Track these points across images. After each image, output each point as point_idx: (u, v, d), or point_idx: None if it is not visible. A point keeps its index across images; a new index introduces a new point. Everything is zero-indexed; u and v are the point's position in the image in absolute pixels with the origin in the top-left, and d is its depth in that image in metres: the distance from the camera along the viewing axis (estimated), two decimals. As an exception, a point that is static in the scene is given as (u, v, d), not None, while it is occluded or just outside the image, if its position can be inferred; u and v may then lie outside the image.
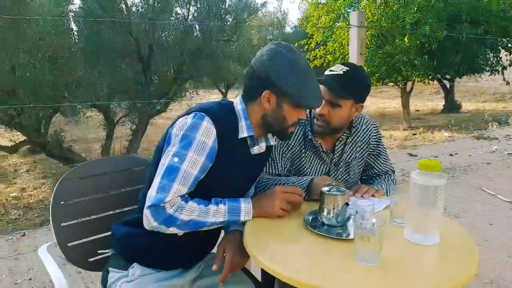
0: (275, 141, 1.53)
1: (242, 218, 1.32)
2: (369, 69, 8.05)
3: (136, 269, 1.39)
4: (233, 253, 1.29)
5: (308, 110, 1.64)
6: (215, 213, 1.28)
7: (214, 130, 1.26)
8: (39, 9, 4.61)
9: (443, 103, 11.84)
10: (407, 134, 8.35)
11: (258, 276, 1.53)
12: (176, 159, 1.23)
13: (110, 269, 1.42)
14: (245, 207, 1.33)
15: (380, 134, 1.83)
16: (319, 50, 9.17)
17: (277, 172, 1.71)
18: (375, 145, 1.80)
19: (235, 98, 1.42)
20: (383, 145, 1.84)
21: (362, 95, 1.60)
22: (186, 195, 1.27)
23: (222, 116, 1.31)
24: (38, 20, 4.49)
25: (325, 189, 1.30)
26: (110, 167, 1.65)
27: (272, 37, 12.49)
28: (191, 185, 1.25)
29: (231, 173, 1.35)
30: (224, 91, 14.67)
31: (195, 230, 1.27)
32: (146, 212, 1.21)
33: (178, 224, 1.23)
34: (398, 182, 1.99)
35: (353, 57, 3.30)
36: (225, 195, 1.34)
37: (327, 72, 1.60)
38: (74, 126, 7.89)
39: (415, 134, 8.30)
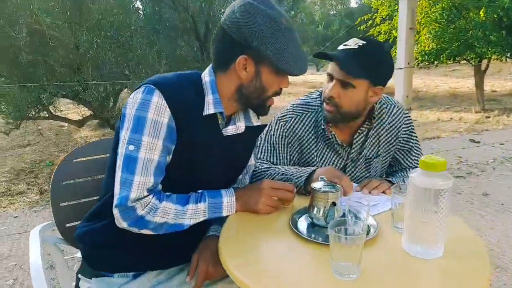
0: (259, 120, 1.30)
1: (225, 213, 1.17)
2: (438, 46, 7.47)
3: (101, 285, 1.20)
4: (206, 263, 1.10)
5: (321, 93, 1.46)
6: (194, 212, 1.13)
7: (167, 105, 1.06)
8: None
9: (525, 83, 10.75)
10: (480, 117, 7.68)
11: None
12: (131, 147, 1.05)
13: (79, 275, 1.26)
14: (228, 201, 1.17)
15: (412, 124, 1.56)
16: (384, 25, 8.66)
17: (279, 163, 1.52)
18: (406, 139, 1.53)
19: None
20: (416, 137, 1.57)
21: (381, 76, 1.35)
22: (160, 191, 1.11)
23: (179, 89, 1.10)
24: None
25: (316, 185, 1.14)
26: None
27: (335, 12, 11.98)
28: (157, 172, 1.08)
29: (198, 159, 1.15)
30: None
31: (172, 232, 1.12)
32: (115, 212, 1.06)
33: (151, 227, 1.09)
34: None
35: (402, 33, 2.94)
36: (198, 186, 1.17)
37: (340, 47, 1.38)
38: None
39: (489, 117, 7.63)
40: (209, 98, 1.13)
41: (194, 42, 5.76)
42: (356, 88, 1.33)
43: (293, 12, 5.82)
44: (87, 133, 8.11)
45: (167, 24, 5.55)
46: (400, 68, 3.49)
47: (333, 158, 1.52)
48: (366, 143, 1.50)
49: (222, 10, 5.80)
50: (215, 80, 1.14)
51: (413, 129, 1.55)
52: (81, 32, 4.58)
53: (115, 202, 1.05)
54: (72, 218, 1.41)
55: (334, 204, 1.10)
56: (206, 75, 1.14)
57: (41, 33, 4.30)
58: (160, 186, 1.12)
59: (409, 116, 1.55)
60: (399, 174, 1.57)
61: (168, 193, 1.13)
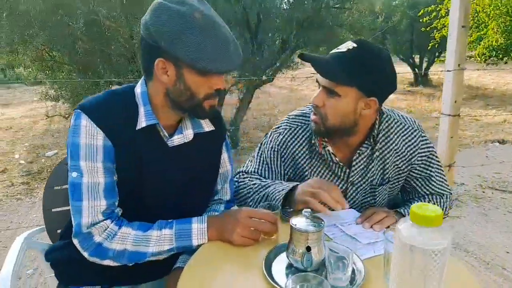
0: (211, 125, 1.20)
1: (195, 242, 1.07)
2: (509, 41, 6.87)
3: None
4: None
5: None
6: (159, 240, 1.05)
7: (97, 127, 1.02)
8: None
9: None
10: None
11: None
12: (74, 174, 1.03)
13: None
14: (198, 228, 1.07)
15: (432, 149, 1.33)
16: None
17: (271, 178, 1.38)
18: (423, 166, 1.32)
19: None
20: (437, 163, 1.33)
21: (373, 86, 1.15)
22: (119, 217, 1.07)
23: (108, 107, 1.06)
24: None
25: (296, 220, 0.97)
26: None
27: (397, 2, 11.40)
28: (107, 194, 1.04)
29: (145, 174, 1.08)
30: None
31: (136, 262, 1.06)
32: (75, 242, 1.04)
33: (111, 255, 1.03)
34: (452, 205, 1.46)
35: (453, 31, 2.65)
36: (153, 207, 1.10)
37: (332, 51, 1.21)
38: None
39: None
40: (141, 110, 1.06)
41: (245, 34, 5.71)
42: (342, 97, 1.16)
43: (349, 3, 5.58)
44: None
45: (220, 15, 5.55)
46: (449, 71, 3.17)
47: (331, 179, 1.33)
48: (370, 167, 1.28)
49: (277, 1, 5.72)
50: (146, 90, 1.08)
51: (433, 154, 1.33)
52: (135, 23, 4.69)
53: (73, 232, 1.03)
54: (63, 224, 1.33)
55: (308, 249, 0.93)
56: (138, 87, 1.09)
57: (97, 24, 4.46)
58: (119, 211, 1.07)
59: (427, 140, 1.31)
60: (414, 203, 1.37)
61: (132, 221, 1.07)
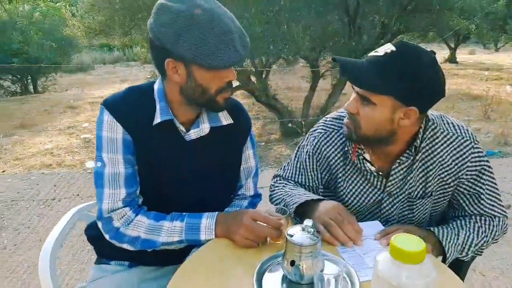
0: (230, 119, 1.19)
1: (203, 237, 1.10)
2: None
3: (97, 271, 1.27)
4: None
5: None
6: (169, 230, 1.10)
7: (117, 122, 1.08)
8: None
9: None
10: None
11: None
12: (98, 164, 1.11)
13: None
14: (207, 223, 1.10)
15: (485, 163, 1.17)
16: None
17: (308, 183, 1.31)
18: (473, 182, 1.17)
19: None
20: (491, 180, 1.17)
21: (414, 95, 1.03)
22: (139, 205, 1.14)
23: (126, 104, 1.12)
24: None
25: (293, 230, 0.93)
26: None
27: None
28: (128, 183, 1.12)
29: (162, 167, 1.13)
30: (453, 46, 12.87)
31: (147, 249, 1.12)
32: (99, 225, 1.14)
33: (127, 240, 1.11)
34: (507, 230, 1.24)
35: None
36: (173, 199, 1.15)
37: (370, 53, 1.09)
38: (282, 76, 8.50)
39: None
40: (158, 106, 1.10)
41: (344, 17, 5.53)
42: (378, 106, 1.06)
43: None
44: (239, 100, 8.76)
45: (318, -2, 5.44)
46: None
47: (365, 188, 1.24)
48: (409, 178, 1.17)
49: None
50: (162, 87, 1.12)
51: (485, 169, 1.17)
52: (233, 6, 4.84)
53: (97, 216, 1.14)
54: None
55: (292, 263, 0.89)
56: (156, 84, 1.13)
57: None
58: (139, 199, 1.15)
59: (480, 153, 1.15)
60: (456, 224, 1.19)
61: (150, 211, 1.14)
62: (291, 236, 0.92)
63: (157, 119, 1.11)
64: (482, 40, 10.01)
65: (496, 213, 1.21)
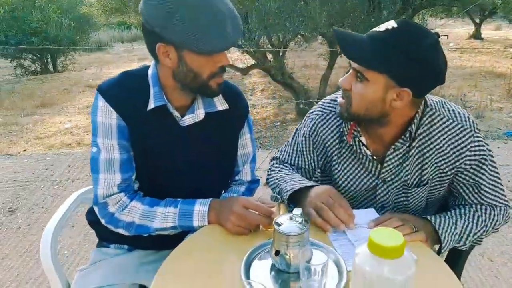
0: (225, 104, 1.18)
1: (196, 224, 1.09)
2: None
3: (98, 254, 1.29)
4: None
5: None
6: (163, 216, 1.10)
7: (111, 108, 1.07)
8: None
9: None
10: None
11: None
12: (94, 149, 1.11)
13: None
14: (200, 209, 1.10)
15: (486, 152, 1.12)
16: None
17: (304, 165, 1.29)
18: (472, 171, 1.14)
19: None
20: (491, 170, 1.13)
21: (406, 73, 0.99)
22: (134, 191, 1.15)
23: (121, 89, 1.11)
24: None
25: (281, 219, 0.93)
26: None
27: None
28: (123, 168, 1.11)
29: (157, 152, 1.12)
30: (478, 21, 12.35)
31: (142, 234, 1.13)
32: (95, 210, 1.14)
33: (122, 225, 1.12)
34: (509, 219, 1.21)
35: None
36: (168, 185, 1.15)
37: (371, 30, 1.05)
38: (299, 53, 8.36)
39: None
40: (151, 92, 1.08)
41: (362, -7, 5.36)
42: (371, 82, 1.03)
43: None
44: (256, 80, 8.70)
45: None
46: None
47: (360, 173, 1.21)
48: (405, 165, 1.14)
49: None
50: (156, 72, 1.10)
51: (485, 159, 1.13)
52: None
53: (93, 201, 1.14)
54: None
55: (277, 253, 0.89)
56: (150, 69, 1.11)
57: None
58: (135, 185, 1.15)
59: (481, 141, 1.10)
60: (455, 213, 1.15)
61: (145, 197, 1.15)
62: (279, 225, 0.92)
63: (151, 105, 1.10)
64: (508, 15, 9.54)
65: (497, 203, 1.17)
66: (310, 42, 7.32)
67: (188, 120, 1.16)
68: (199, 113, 1.16)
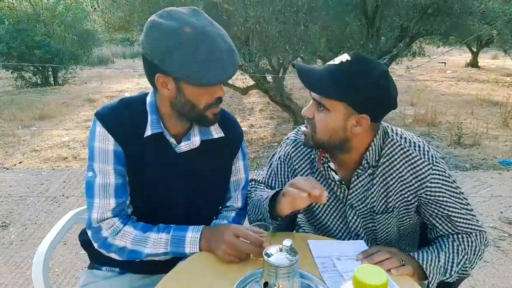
0: (221, 132, 1.21)
1: (188, 250, 1.10)
2: None
3: (89, 276, 1.28)
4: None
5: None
6: (155, 242, 1.11)
7: (109, 134, 1.10)
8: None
9: None
10: None
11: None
12: (90, 173, 1.13)
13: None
14: (192, 236, 1.11)
15: (445, 185, 1.16)
16: None
17: (279, 187, 1.31)
18: (438, 206, 1.17)
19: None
20: (455, 200, 1.16)
21: (363, 101, 1.07)
22: (128, 216, 1.16)
23: (119, 116, 1.13)
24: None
25: (271, 249, 0.92)
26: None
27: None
28: (117, 193, 1.13)
29: (153, 178, 1.15)
30: (475, 50, 12.56)
31: (133, 259, 1.13)
32: (89, 233, 1.15)
33: (114, 250, 1.13)
34: (487, 243, 1.22)
35: None
36: (162, 210, 1.17)
37: (327, 63, 1.13)
38: (295, 75, 8.45)
39: None
40: (149, 119, 1.13)
41: (361, 19, 5.46)
42: (331, 111, 1.11)
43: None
44: (255, 99, 8.77)
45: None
46: None
47: (331, 200, 1.26)
48: (370, 192, 1.19)
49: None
50: (154, 100, 1.13)
51: (446, 191, 1.16)
52: (251, 6, 4.84)
53: (86, 225, 1.15)
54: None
55: (265, 285, 0.89)
56: (148, 97, 1.15)
57: (216, 7, 4.72)
58: (128, 209, 1.16)
59: (440, 174, 1.15)
60: (436, 246, 1.18)
61: (138, 221, 1.16)
62: (269, 256, 0.92)
63: (148, 132, 1.13)
64: (504, 46, 9.72)
65: (471, 230, 1.20)
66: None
67: (184, 147, 1.18)
68: (195, 140, 1.19)
